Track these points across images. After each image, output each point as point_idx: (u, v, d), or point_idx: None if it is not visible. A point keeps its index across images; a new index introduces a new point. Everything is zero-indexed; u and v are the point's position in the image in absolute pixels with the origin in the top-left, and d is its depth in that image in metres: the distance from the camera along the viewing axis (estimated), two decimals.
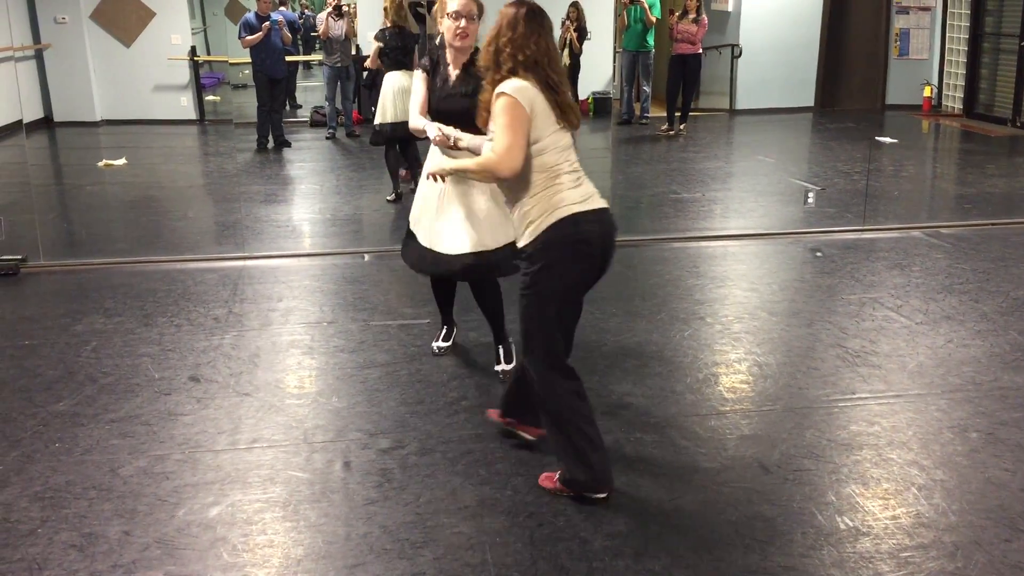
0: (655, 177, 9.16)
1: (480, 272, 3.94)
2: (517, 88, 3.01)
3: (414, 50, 7.64)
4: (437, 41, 3.94)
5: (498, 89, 3.03)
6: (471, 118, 3.38)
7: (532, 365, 3.13)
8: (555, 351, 3.13)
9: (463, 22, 3.69)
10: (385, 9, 7.69)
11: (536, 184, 3.05)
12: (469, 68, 3.75)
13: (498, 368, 4.21)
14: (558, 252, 3.03)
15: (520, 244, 3.12)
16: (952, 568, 2.82)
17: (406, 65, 7.51)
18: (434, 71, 3.91)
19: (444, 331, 4.49)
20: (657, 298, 5.33)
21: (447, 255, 3.89)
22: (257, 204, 7.74)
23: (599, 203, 3.14)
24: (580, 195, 3.08)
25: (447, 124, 3.71)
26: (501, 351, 4.22)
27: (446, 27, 3.73)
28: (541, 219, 3.03)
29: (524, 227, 3.08)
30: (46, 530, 3.03)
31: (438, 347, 4.45)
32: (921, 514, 3.11)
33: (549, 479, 3.26)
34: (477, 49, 3.68)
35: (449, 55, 3.85)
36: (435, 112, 3.83)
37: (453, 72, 3.84)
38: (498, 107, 3.00)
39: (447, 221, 3.88)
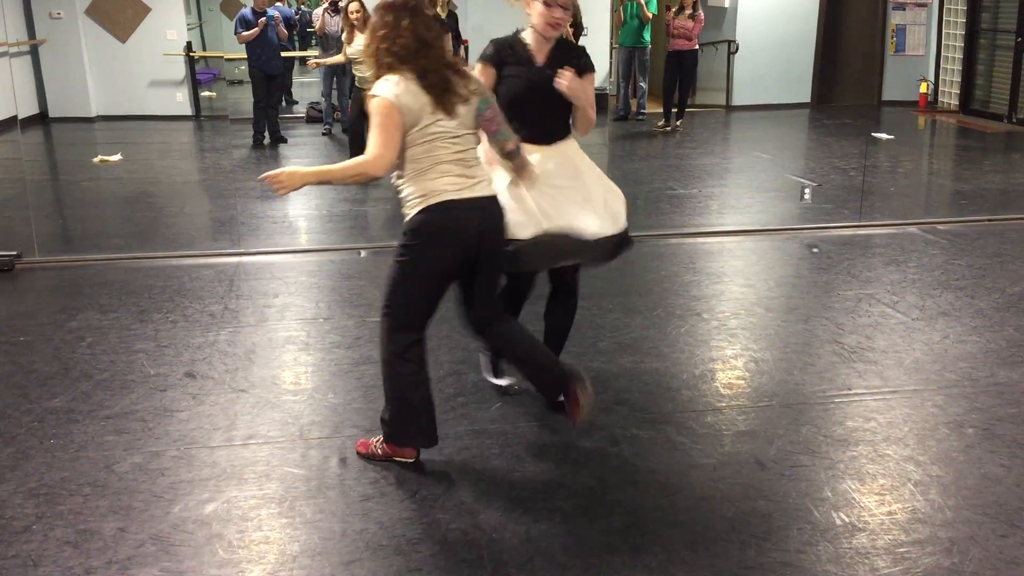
0: (651, 173, 9.16)
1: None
2: (386, 87, 3.06)
3: None
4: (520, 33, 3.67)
5: (371, 91, 3.09)
6: (560, 101, 3.51)
7: (381, 323, 3.29)
8: (416, 323, 3.27)
9: (559, 12, 3.50)
10: None
11: (410, 171, 3.14)
12: (557, 52, 3.60)
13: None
14: (426, 236, 3.15)
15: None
16: (948, 564, 2.82)
17: None
18: (502, 58, 3.59)
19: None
20: (654, 294, 5.33)
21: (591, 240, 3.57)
22: (253, 200, 7.72)
23: (482, 191, 3.19)
24: (460, 183, 3.14)
25: (540, 110, 3.56)
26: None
27: (538, 13, 3.51)
28: (416, 202, 3.14)
29: (404, 207, 3.21)
30: (41, 527, 3.02)
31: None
32: (917, 510, 3.11)
33: (364, 445, 3.47)
34: (562, 38, 3.65)
35: (533, 43, 3.60)
36: (520, 97, 3.56)
37: (539, 56, 3.60)
38: (371, 109, 3.08)
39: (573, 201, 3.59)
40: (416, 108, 3.06)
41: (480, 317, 3.38)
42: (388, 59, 3.09)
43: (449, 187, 3.13)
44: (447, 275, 3.26)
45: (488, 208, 3.22)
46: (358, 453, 3.47)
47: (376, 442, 3.43)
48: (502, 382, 3.97)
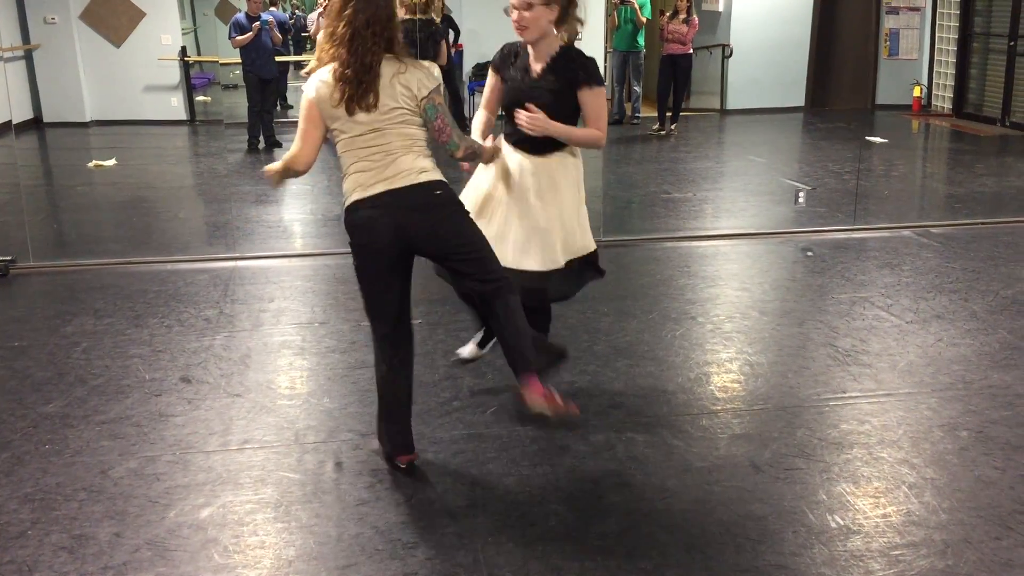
0: (646, 177, 9.17)
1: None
2: (309, 81, 3.11)
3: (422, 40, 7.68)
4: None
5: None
6: (552, 115, 3.46)
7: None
8: (376, 323, 3.28)
9: (515, 14, 3.45)
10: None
11: (342, 169, 3.19)
12: (558, 61, 3.53)
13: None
14: (350, 237, 3.19)
15: None
16: (943, 566, 2.83)
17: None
18: (505, 64, 3.61)
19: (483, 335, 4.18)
20: (648, 298, 5.33)
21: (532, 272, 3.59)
22: (248, 204, 7.72)
23: (389, 185, 3.11)
24: (364, 180, 3.12)
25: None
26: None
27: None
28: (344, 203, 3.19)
29: None
30: (36, 532, 3.02)
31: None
32: (912, 512, 3.12)
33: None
34: (570, 46, 3.56)
35: (532, 52, 3.57)
36: (509, 106, 3.58)
37: (536, 65, 3.56)
38: None
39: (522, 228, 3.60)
40: (328, 100, 3.06)
41: (473, 290, 3.27)
42: (324, 45, 3.09)
43: (358, 184, 3.13)
44: (383, 273, 3.20)
45: (392, 203, 3.09)
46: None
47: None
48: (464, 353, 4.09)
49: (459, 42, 10.08)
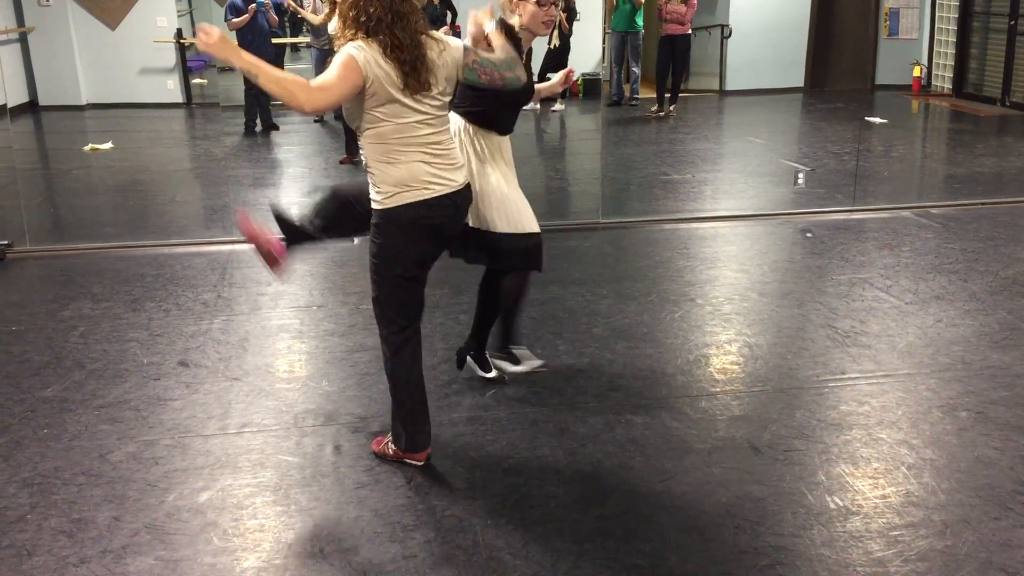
0: (645, 158, 9.14)
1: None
2: (355, 48, 2.94)
3: None
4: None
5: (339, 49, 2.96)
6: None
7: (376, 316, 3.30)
8: (399, 323, 3.24)
9: (552, 9, 3.58)
10: None
11: (380, 152, 3.05)
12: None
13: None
14: (397, 229, 3.10)
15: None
16: (941, 546, 2.83)
17: None
18: None
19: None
20: (647, 280, 5.32)
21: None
22: (245, 188, 7.70)
23: (450, 186, 3.12)
24: (436, 175, 3.08)
25: (513, 110, 3.65)
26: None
27: (531, 14, 3.55)
28: (389, 190, 3.06)
29: (373, 190, 3.12)
30: (35, 516, 3.02)
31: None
32: (911, 493, 3.12)
33: (378, 443, 3.41)
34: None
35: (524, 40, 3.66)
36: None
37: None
38: (335, 60, 2.92)
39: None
40: (384, 80, 2.89)
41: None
42: (355, 29, 2.93)
43: (427, 176, 3.00)
44: (421, 273, 3.16)
45: (451, 204, 3.08)
46: (373, 452, 3.40)
47: (387, 442, 3.36)
48: (490, 374, 3.96)
49: (456, 23, 10.03)
